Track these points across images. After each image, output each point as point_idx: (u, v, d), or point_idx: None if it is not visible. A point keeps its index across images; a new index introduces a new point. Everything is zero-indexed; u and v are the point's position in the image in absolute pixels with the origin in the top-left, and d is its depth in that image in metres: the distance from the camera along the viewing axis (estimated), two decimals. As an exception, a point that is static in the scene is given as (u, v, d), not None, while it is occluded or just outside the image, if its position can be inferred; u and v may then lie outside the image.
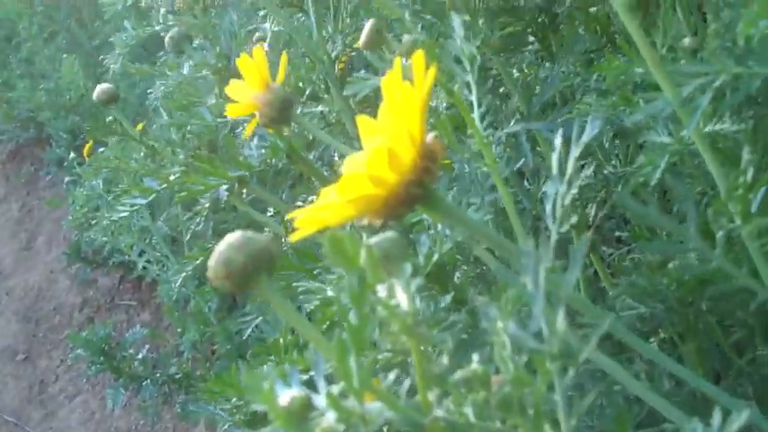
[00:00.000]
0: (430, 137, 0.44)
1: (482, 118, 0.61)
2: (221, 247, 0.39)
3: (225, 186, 0.98)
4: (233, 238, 0.39)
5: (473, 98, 0.62)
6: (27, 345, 3.74)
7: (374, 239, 0.40)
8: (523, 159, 0.92)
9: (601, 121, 0.55)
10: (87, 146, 2.40)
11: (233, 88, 0.75)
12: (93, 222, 2.39)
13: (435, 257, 0.59)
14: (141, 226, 2.50)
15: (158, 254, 2.57)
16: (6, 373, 3.62)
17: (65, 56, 3.31)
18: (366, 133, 0.46)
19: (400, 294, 0.38)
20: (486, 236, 0.44)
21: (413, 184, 0.42)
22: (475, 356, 0.40)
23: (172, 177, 1.08)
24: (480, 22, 0.96)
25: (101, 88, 1.11)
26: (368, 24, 0.71)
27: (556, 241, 0.57)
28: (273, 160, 0.98)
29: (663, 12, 0.61)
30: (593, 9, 1.10)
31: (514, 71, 1.09)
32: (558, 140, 0.58)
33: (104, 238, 2.44)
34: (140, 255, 2.54)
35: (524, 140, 0.95)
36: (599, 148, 1.00)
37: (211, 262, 0.39)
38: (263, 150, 1.00)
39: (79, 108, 3.32)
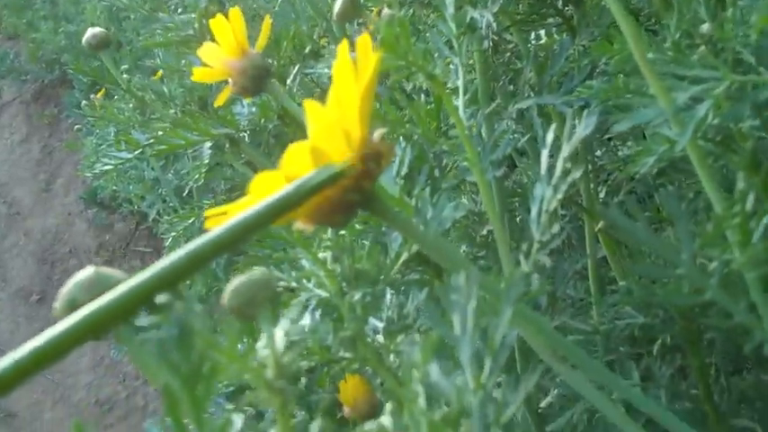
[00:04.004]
0: (376, 134, 0.37)
1: (467, 105, 0.54)
2: (68, 286, 0.32)
3: (209, 144, 0.92)
4: (83, 275, 0.32)
5: (459, 82, 0.54)
6: (42, 286, 3.74)
7: (236, 281, 0.33)
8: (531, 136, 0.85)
9: (596, 116, 0.48)
10: (99, 93, 2.34)
11: (207, 51, 0.67)
12: (104, 171, 2.34)
13: (404, 257, 0.52)
14: (154, 176, 2.45)
15: (170, 205, 2.51)
16: (20, 314, 3.62)
17: (88, -1, 3.25)
18: (313, 122, 0.39)
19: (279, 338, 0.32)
20: (435, 248, 0.37)
21: (349, 189, 0.36)
22: (387, 407, 0.33)
23: (160, 132, 1.01)
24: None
25: (91, 32, 1.02)
26: (343, -6, 0.64)
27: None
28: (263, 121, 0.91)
29: (680, -9, 0.53)
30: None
31: (532, 42, 1.01)
32: (549, 136, 0.52)
33: (114, 187, 2.40)
34: (150, 206, 2.50)
35: (536, 116, 0.88)
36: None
37: (57, 302, 0.32)
38: (254, 109, 0.93)
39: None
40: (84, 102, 2.65)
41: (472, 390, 0.30)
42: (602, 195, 1.08)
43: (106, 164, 1.08)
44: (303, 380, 0.61)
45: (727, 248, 0.39)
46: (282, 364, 0.30)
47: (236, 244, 0.31)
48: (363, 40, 0.35)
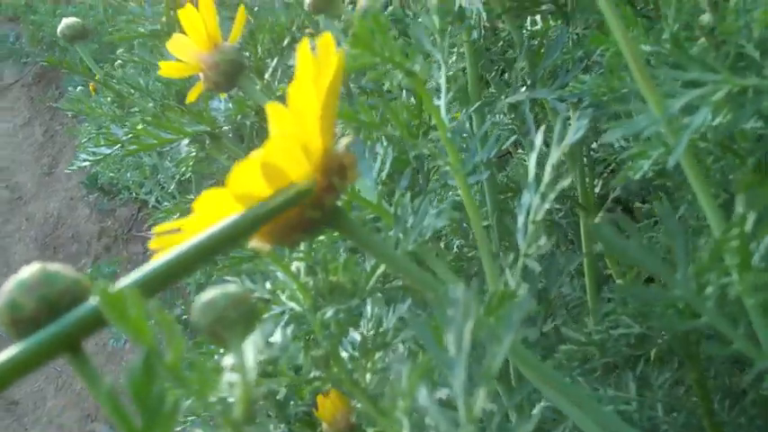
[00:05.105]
0: (340, 144, 0.34)
1: (449, 106, 0.50)
2: (9, 285, 0.28)
3: (186, 141, 0.88)
4: (27, 273, 0.28)
5: (441, 81, 0.51)
6: (44, 272, 3.71)
7: (206, 296, 0.29)
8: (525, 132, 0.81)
9: (587, 120, 0.44)
10: (92, 83, 2.30)
11: (176, 44, 0.63)
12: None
13: (381, 270, 0.49)
14: (152, 163, 2.42)
15: (169, 191, 2.48)
16: (22, 299, 3.59)
17: (87, -20, 3.21)
18: (276, 125, 0.35)
19: (249, 361, 0.28)
20: (405, 271, 0.34)
21: (309, 206, 0.32)
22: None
23: (140, 126, 0.98)
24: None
25: (65, 22, 0.99)
26: (318, -17, 0.60)
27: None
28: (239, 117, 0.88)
29: (678, -20, 0.50)
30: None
31: (525, 31, 0.97)
32: (538, 140, 0.48)
33: (111, 174, 2.37)
34: (149, 193, 2.46)
35: (527, 111, 0.84)
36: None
37: None
38: (230, 104, 0.90)
39: (98, 36, 3.23)
40: (79, 87, 2.61)
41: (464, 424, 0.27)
42: (597, 189, 1.04)
43: (85, 159, 1.05)
44: (282, 390, 0.57)
45: (725, 272, 0.35)
46: (252, 400, 0.27)
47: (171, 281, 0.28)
48: (324, 39, 0.32)
